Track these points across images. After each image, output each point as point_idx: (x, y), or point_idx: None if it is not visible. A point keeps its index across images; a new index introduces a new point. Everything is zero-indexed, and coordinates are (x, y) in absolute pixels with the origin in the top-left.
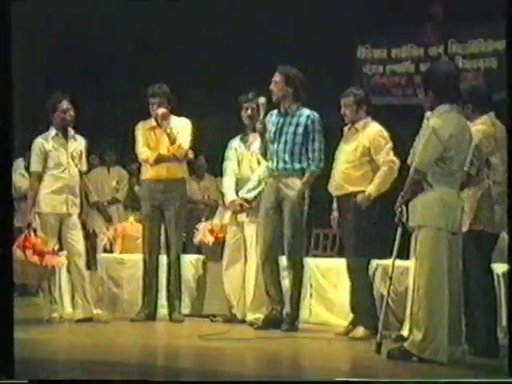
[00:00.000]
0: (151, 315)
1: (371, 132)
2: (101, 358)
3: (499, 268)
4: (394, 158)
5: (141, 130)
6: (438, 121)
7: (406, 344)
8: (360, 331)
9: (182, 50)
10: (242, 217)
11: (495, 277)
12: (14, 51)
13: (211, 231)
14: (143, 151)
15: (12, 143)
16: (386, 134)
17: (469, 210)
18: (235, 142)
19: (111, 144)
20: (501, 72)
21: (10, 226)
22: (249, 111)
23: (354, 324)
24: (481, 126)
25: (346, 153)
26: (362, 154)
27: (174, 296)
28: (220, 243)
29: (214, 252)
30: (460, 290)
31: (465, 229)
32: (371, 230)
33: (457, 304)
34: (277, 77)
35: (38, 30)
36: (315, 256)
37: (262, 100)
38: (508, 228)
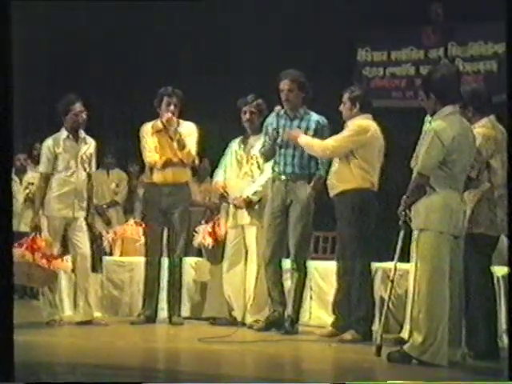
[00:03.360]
0: (151, 318)
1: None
2: (101, 361)
3: (499, 271)
4: (330, 145)
5: (147, 132)
6: (440, 124)
7: (405, 347)
8: (350, 334)
9: (183, 53)
10: (243, 219)
11: (495, 279)
12: (14, 51)
13: (210, 234)
14: (151, 155)
15: (12, 145)
16: (365, 129)
17: (469, 213)
18: (235, 145)
19: (111, 146)
20: (501, 74)
21: (9, 228)
22: (247, 115)
23: (336, 326)
24: (481, 129)
25: None
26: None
27: (174, 299)
28: (220, 246)
29: (214, 255)
30: (460, 292)
31: (465, 231)
32: (367, 231)
33: (457, 307)
34: (288, 85)
35: (38, 32)
36: (315, 259)
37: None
38: (508, 231)
